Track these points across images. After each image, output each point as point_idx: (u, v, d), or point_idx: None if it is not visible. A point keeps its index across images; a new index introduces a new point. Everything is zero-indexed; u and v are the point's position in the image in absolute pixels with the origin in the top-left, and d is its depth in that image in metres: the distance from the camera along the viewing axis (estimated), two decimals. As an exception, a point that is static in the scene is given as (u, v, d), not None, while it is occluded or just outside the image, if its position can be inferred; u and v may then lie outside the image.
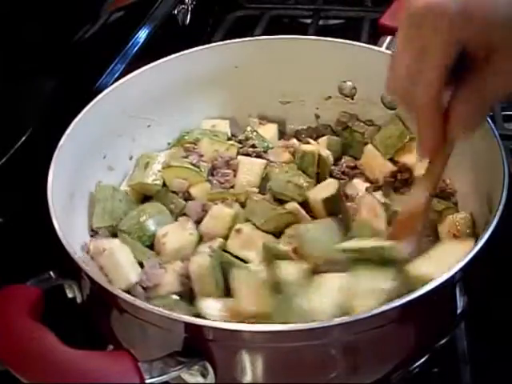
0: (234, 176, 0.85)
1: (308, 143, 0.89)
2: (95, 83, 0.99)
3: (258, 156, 0.89)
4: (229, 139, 0.93)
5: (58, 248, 0.64)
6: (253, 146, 0.90)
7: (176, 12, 1.24)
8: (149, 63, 0.89)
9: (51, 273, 0.65)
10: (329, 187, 0.81)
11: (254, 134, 0.92)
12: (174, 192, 0.84)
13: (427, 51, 0.56)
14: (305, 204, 0.80)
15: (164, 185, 0.85)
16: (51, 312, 0.61)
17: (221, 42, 0.95)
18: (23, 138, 0.82)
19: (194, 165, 0.85)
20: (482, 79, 0.56)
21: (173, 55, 0.91)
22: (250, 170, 0.85)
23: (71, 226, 0.75)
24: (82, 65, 0.95)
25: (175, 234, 0.78)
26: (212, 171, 0.86)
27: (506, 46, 0.54)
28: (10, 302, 0.60)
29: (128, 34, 1.10)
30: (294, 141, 0.92)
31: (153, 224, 0.80)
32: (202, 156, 0.88)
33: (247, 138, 0.91)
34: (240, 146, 0.90)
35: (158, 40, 1.15)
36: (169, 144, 0.93)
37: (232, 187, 0.85)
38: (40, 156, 0.73)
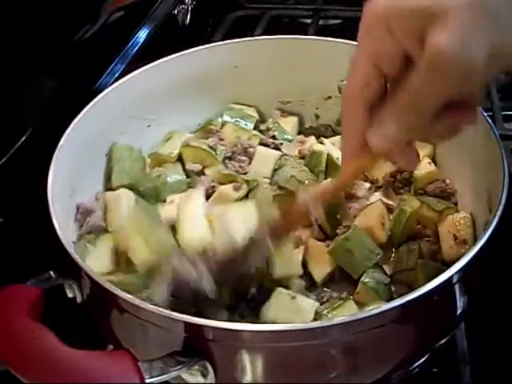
0: (250, 164, 0.87)
1: (322, 143, 0.90)
2: (95, 83, 0.99)
3: (276, 148, 0.90)
4: (254, 127, 0.94)
5: (57, 248, 0.64)
6: (273, 137, 0.91)
7: (176, 12, 1.24)
8: (149, 63, 0.89)
9: (51, 273, 0.65)
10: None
11: (276, 125, 0.93)
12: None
13: (360, 46, 0.55)
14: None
15: (178, 159, 0.88)
16: (51, 312, 0.61)
17: (221, 42, 0.95)
18: (23, 138, 0.82)
19: (211, 147, 0.87)
20: (407, 87, 0.52)
21: (173, 55, 0.91)
22: (264, 160, 0.87)
23: (71, 225, 0.75)
24: (82, 65, 0.95)
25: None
26: (230, 156, 0.88)
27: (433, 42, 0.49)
28: (10, 302, 0.60)
29: (128, 34, 1.10)
30: (312, 137, 0.93)
31: (168, 191, 0.83)
32: (222, 140, 0.90)
33: (268, 129, 0.92)
34: (262, 136, 0.91)
35: (158, 40, 1.15)
36: (199, 124, 0.95)
37: (245, 174, 0.86)
38: (40, 156, 0.73)
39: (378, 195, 0.85)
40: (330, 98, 0.95)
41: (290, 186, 0.81)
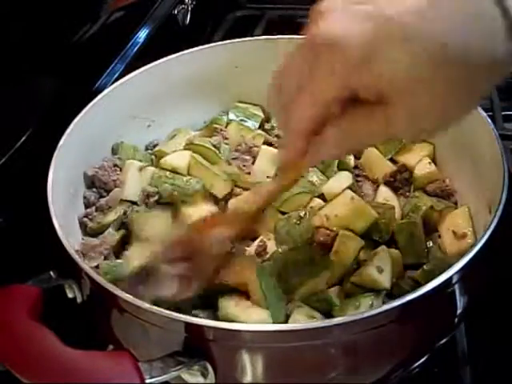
0: (253, 163, 0.87)
1: None
2: (95, 83, 0.99)
3: None
4: (260, 126, 0.94)
5: (58, 248, 0.64)
6: (277, 136, 0.91)
7: (176, 12, 1.24)
8: (149, 63, 0.89)
9: (51, 273, 0.65)
10: (344, 179, 0.82)
11: None
12: None
13: (315, 85, 0.52)
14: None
15: None
16: (51, 312, 0.61)
17: (221, 42, 0.95)
18: (23, 138, 0.82)
19: (214, 146, 0.87)
20: (353, 124, 0.53)
21: (173, 55, 0.91)
22: (267, 159, 0.86)
23: (72, 225, 0.75)
24: (82, 65, 0.95)
25: None
26: (234, 155, 0.88)
27: (395, 101, 0.50)
28: (10, 301, 0.60)
29: (128, 34, 1.10)
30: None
31: None
32: (226, 139, 0.90)
33: (273, 128, 0.93)
34: (267, 135, 0.91)
35: (157, 40, 1.15)
36: (205, 122, 0.95)
37: (249, 173, 0.86)
38: (40, 156, 0.73)
39: (384, 190, 0.85)
40: (329, 98, 0.95)
41: (299, 189, 0.80)
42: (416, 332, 0.63)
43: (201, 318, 0.65)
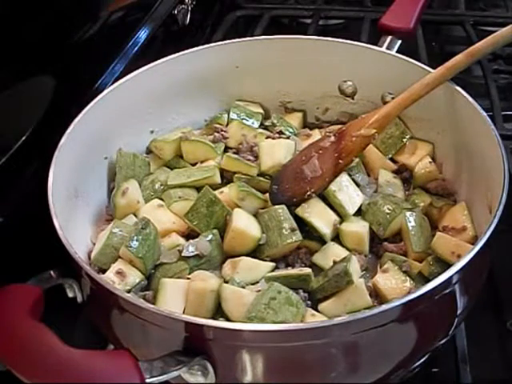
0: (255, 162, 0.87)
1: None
2: (95, 83, 0.99)
3: None
4: (261, 124, 0.95)
5: (58, 247, 0.64)
6: (280, 132, 0.92)
7: (176, 12, 1.24)
8: (149, 63, 0.89)
9: (51, 272, 0.65)
10: None
11: (281, 120, 0.94)
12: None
13: None
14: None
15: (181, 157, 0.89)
16: (51, 312, 0.61)
17: (221, 42, 0.95)
18: (23, 138, 0.82)
19: (213, 141, 0.89)
20: None
21: (173, 55, 0.91)
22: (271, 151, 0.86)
23: (72, 225, 0.75)
24: (82, 65, 0.95)
25: None
26: (236, 154, 0.89)
27: None
28: (10, 301, 0.60)
29: (128, 34, 1.10)
30: (316, 131, 0.93)
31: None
32: (226, 138, 0.91)
33: (274, 125, 0.93)
34: (268, 132, 0.92)
35: (157, 40, 1.15)
36: (205, 121, 0.96)
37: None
38: (40, 156, 0.73)
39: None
40: (329, 98, 0.95)
41: None
42: (416, 332, 0.63)
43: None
